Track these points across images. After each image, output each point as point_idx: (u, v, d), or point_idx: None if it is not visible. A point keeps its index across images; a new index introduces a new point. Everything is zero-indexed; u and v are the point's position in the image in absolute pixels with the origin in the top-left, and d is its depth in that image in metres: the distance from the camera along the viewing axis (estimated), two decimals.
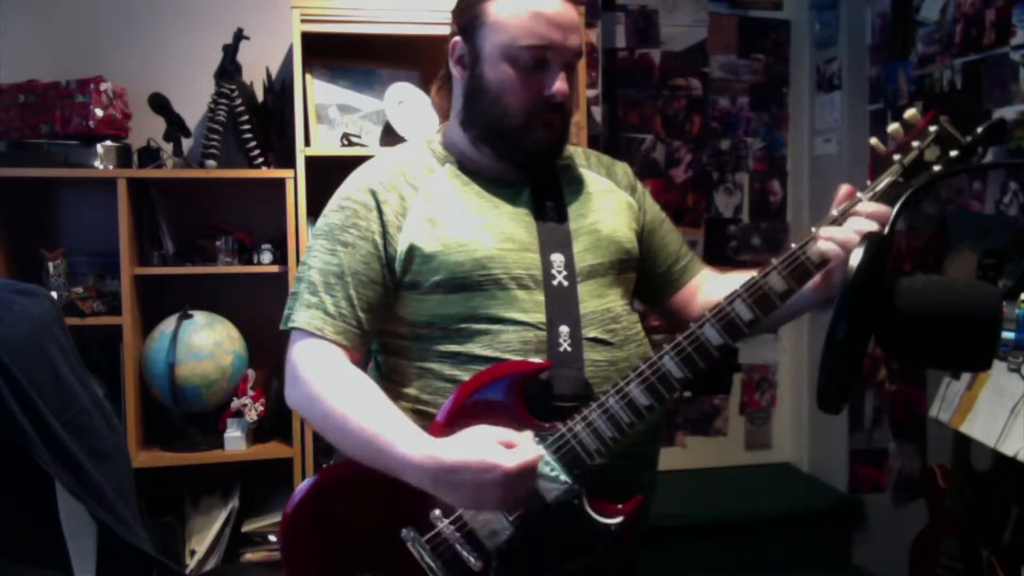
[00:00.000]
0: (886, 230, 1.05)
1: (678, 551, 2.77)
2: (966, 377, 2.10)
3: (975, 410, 2.04)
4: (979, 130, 1.14)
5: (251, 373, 2.40)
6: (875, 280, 0.97)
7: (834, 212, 1.17)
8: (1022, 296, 0.93)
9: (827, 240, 1.14)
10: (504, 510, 1.14)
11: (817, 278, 1.18)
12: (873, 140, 1.20)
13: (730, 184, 3.22)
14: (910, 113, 1.16)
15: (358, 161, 1.38)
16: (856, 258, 0.96)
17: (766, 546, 2.88)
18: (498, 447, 1.08)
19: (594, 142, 2.92)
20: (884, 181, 1.16)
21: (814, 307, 1.25)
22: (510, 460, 1.06)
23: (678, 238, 1.46)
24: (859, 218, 1.14)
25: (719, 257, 3.19)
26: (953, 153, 1.14)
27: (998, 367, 0.97)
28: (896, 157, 1.15)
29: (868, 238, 0.99)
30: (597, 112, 2.99)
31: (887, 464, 2.80)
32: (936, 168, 1.15)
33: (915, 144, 1.15)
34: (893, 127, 1.16)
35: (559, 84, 1.24)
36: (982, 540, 2.12)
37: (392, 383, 1.30)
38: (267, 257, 2.39)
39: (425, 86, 2.44)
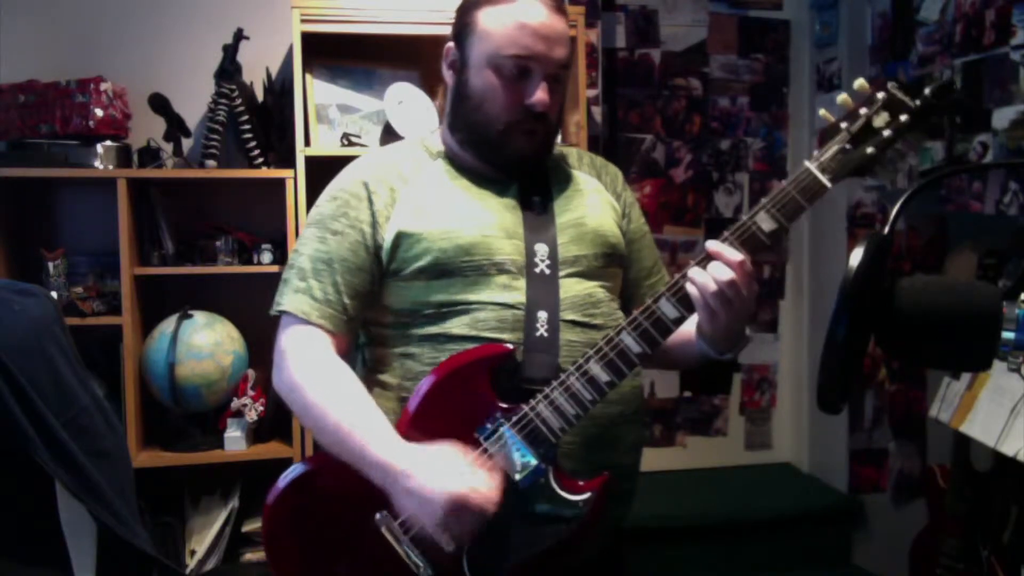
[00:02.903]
0: (886, 230, 1.05)
1: (678, 551, 2.77)
2: (966, 377, 2.10)
3: (975, 410, 2.04)
4: (927, 91, 1.12)
5: (251, 373, 2.40)
6: (875, 280, 0.97)
7: (762, 200, 1.17)
8: (1022, 296, 0.93)
9: (689, 282, 1.16)
10: (439, 537, 1.15)
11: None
12: (822, 111, 1.18)
13: (730, 184, 3.22)
14: (859, 83, 1.15)
15: None
16: (856, 258, 0.96)
17: (766, 546, 2.88)
18: (450, 482, 1.12)
19: (594, 142, 2.92)
20: (831, 149, 1.15)
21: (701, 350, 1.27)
22: (447, 499, 1.11)
23: (654, 255, 1.49)
24: (721, 264, 1.14)
25: None
26: (904, 117, 1.13)
27: (998, 367, 0.97)
28: (843, 125, 1.14)
29: (868, 237, 0.99)
30: (597, 112, 2.98)
31: (887, 464, 2.80)
32: (886, 133, 1.13)
33: (862, 111, 1.14)
34: (842, 97, 1.15)
35: (540, 94, 1.26)
36: (982, 540, 2.12)
37: (376, 373, 1.34)
38: (267, 257, 2.39)
39: (425, 86, 2.44)
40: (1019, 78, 2.15)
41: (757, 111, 3.21)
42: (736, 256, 1.14)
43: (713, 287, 1.13)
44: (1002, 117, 2.18)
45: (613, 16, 3.05)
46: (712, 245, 1.16)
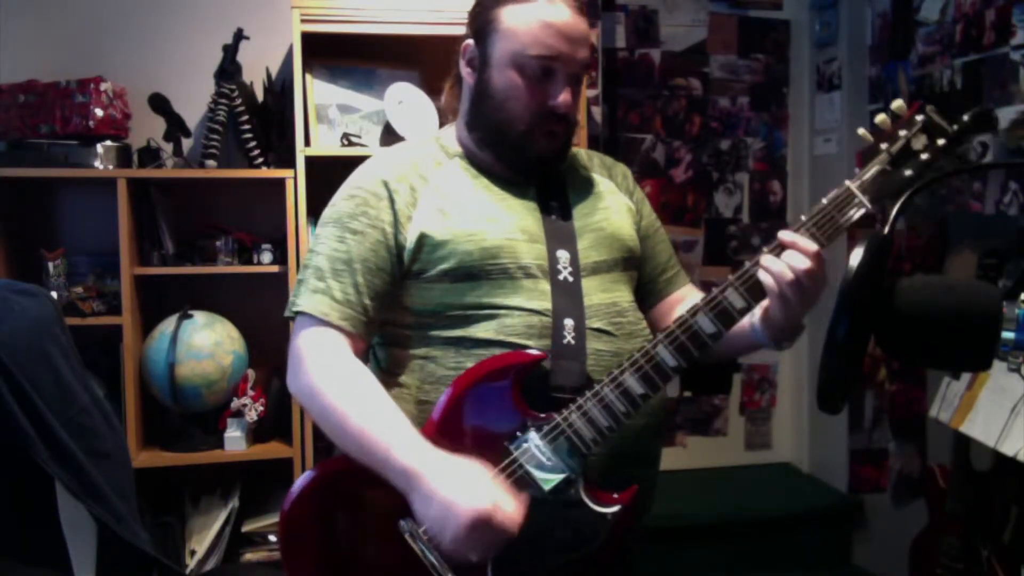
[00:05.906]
0: (886, 230, 1.05)
1: (678, 551, 2.77)
2: (966, 377, 2.10)
3: (975, 410, 2.04)
4: (965, 118, 1.14)
5: (251, 373, 2.40)
6: (875, 280, 0.97)
7: (802, 217, 1.17)
8: (1022, 296, 0.93)
9: (764, 270, 1.15)
10: (457, 550, 1.12)
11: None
12: (861, 131, 1.19)
13: (730, 184, 3.22)
14: (897, 104, 1.17)
15: (358, 161, 1.38)
16: (856, 258, 0.96)
17: (766, 546, 2.88)
18: (476, 497, 1.09)
19: (594, 142, 2.92)
20: (872, 170, 1.16)
21: (756, 340, 1.26)
22: (473, 515, 1.08)
23: (668, 249, 1.48)
24: (797, 253, 1.14)
25: (719, 257, 3.19)
26: (941, 142, 1.15)
27: (998, 367, 0.97)
28: (883, 146, 1.16)
29: (868, 238, 0.99)
30: (597, 112, 2.99)
31: (887, 464, 2.80)
32: (924, 156, 1.15)
33: (902, 133, 1.15)
34: (880, 118, 1.17)
35: (564, 95, 1.26)
36: (982, 540, 2.12)
37: (392, 376, 1.30)
38: (267, 257, 2.38)
39: (425, 86, 2.44)
40: (1019, 78, 2.15)
41: (757, 111, 3.21)
42: (812, 246, 1.14)
43: (790, 276, 1.12)
44: (1002, 117, 2.19)
45: (613, 16, 3.05)
46: (786, 235, 1.15)
